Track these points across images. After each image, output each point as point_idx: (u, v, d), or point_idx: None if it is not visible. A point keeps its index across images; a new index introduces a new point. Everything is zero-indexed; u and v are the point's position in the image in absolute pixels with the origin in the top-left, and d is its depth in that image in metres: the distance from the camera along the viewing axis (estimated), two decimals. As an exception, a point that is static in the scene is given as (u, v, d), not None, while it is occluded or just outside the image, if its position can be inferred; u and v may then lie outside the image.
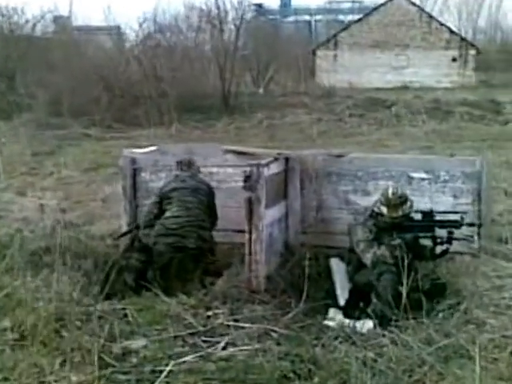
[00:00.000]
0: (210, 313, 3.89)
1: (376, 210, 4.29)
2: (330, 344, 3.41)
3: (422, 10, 32.18)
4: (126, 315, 3.81)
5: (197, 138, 14.81)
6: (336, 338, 3.53)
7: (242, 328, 3.65)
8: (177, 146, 7.14)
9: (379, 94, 21.80)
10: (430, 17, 31.72)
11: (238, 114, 18.49)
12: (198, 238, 4.77)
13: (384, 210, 4.23)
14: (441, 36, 30.95)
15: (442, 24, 31.73)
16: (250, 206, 4.38)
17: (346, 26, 32.54)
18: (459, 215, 4.27)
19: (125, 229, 5.56)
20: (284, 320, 3.81)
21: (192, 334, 3.51)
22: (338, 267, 4.77)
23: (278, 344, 3.37)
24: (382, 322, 3.84)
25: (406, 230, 4.23)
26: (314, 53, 31.14)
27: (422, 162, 5.21)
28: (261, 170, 4.40)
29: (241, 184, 5.50)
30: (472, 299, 3.92)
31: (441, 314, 3.82)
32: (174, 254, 4.75)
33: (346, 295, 4.46)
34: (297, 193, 5.30)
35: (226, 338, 3.44)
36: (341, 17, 40.65)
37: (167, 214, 4.88)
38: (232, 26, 22.74)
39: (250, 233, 4.38)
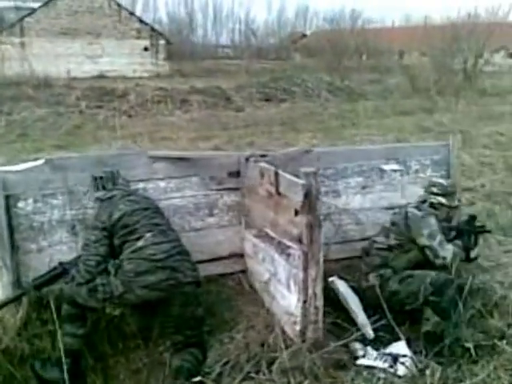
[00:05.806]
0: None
1: (434, 201, 3.89)
2: None
3: (109, -2, 31.37)
4: None
5: None
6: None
7: None
8: (74, 156, 5.00)
9: (98, 83, 20.52)
10: (119, 5, 31.10)
11: None
12: (193, 267, 3.47)
13: (442, 199, 3.86)
14: (131, 25, 30.94)
15: (131, 13, 31.83)
16: (310, 234, 3.24)
17: (32, 12, 29.28)
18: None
19: (7, 293, 3.68)
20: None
21: None
22: (345, 289, 3.96)
23: None
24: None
25: (462, 233, 3.89)
26: (-4, 39, 27.19)
27: (393, 151, 4.96)
28: (318, 182, 3.27)
29: (178, 201, 4.37)
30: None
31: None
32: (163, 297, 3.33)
33: (367, 322, 3.76)
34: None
35: None
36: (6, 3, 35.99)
37: (139, 243, 3.33)
38: None
39: (306, 270, 3.26)
